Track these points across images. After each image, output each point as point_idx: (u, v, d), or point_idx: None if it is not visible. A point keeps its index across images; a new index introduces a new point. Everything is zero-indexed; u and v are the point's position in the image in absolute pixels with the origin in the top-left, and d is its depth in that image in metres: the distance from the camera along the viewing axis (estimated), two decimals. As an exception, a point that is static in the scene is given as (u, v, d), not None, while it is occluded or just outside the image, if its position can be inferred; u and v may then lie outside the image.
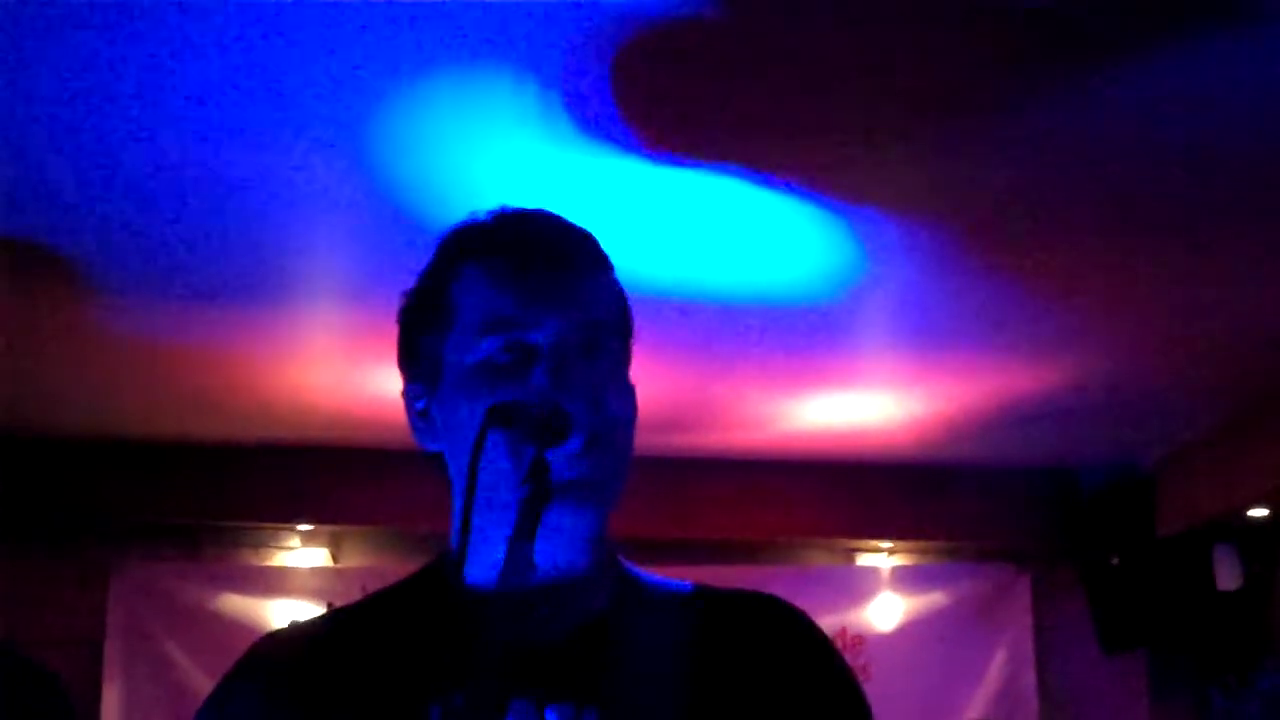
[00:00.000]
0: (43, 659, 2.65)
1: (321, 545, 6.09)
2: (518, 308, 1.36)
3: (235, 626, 5.61)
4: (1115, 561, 6.08)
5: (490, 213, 1.45)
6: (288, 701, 1.38)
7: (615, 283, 1.46)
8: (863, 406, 5.38)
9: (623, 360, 1.44)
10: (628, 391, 1.43)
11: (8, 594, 5.13)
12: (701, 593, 1.49)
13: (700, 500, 6.00)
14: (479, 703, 1.19)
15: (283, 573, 5.98)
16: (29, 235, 3.72)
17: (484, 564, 1.37)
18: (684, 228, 3.70)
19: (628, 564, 1.49)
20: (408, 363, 1.47)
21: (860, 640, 6.00)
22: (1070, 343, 4.69)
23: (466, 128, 3.17)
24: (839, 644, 5.86)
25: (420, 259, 1.48)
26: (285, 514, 5.99)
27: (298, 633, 1.49)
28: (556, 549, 1.35)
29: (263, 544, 6.08)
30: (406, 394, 1.47)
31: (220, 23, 2.71)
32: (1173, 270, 4.05)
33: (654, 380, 4.99)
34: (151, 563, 5.87)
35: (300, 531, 6.06)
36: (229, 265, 3.94)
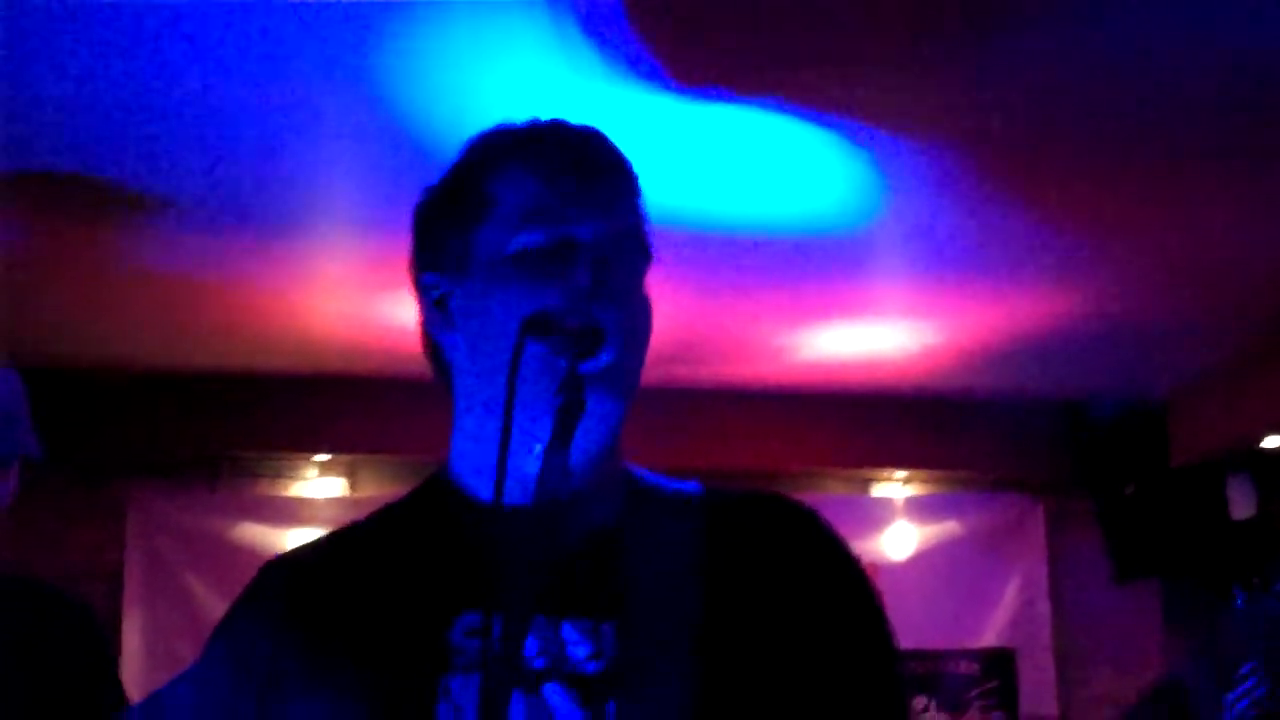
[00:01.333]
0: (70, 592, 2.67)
1: (338, 475, 6.13)
2: (564, 200, 1.35)
3: (253, 556, 5.58)
4: (1129, 491, 6.09)
5: (526, 120, 1.44)
6: (301, 623, 1.37)
7: (643, 207, 1.44)
8: (878, 337, 5.38)
9: (643, 276, 1.43)
10: (647, 305, 1.42)
11: (27, 527, 5.16)
12: (710, 495, 1.48)
13: (716, 431, 6.01)
14: (514, 620, 1.18)
15: (300, 503, 6.01)
16: (45, 169, 3.72)
17: (492, 479, 1.34)
18: (698, 156, 3.68)
19: (636, 469, 1.48)
20: (427, 253, 1.44)
21: (874, 569, 6.01)
22: (1085, 272, 4.67)
23: (479, 53, 3.15)
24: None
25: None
26: (302, 444, 6.01)
27: (307, 554, 1.48)
28: (587, 446, 1.33)
29: (280, 474, 6.11)
30: (422, 283, 1.44)
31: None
32: (1188, 200, 4.04)
33: (670, 311, 4.97)
34: (169, 494, 5.90)
35: (317, 462, 6.09)
36: (242, 196, 3.93)
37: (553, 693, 1.30)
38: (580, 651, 1.32)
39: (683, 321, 4.98)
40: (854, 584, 1.46)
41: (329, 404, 5.86)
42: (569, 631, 1.32)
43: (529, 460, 1.27)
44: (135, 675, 5.45)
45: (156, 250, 4.35)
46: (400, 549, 1.41)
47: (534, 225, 1.34)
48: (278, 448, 6.03)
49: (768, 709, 1.34)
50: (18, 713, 2.40)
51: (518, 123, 1.43)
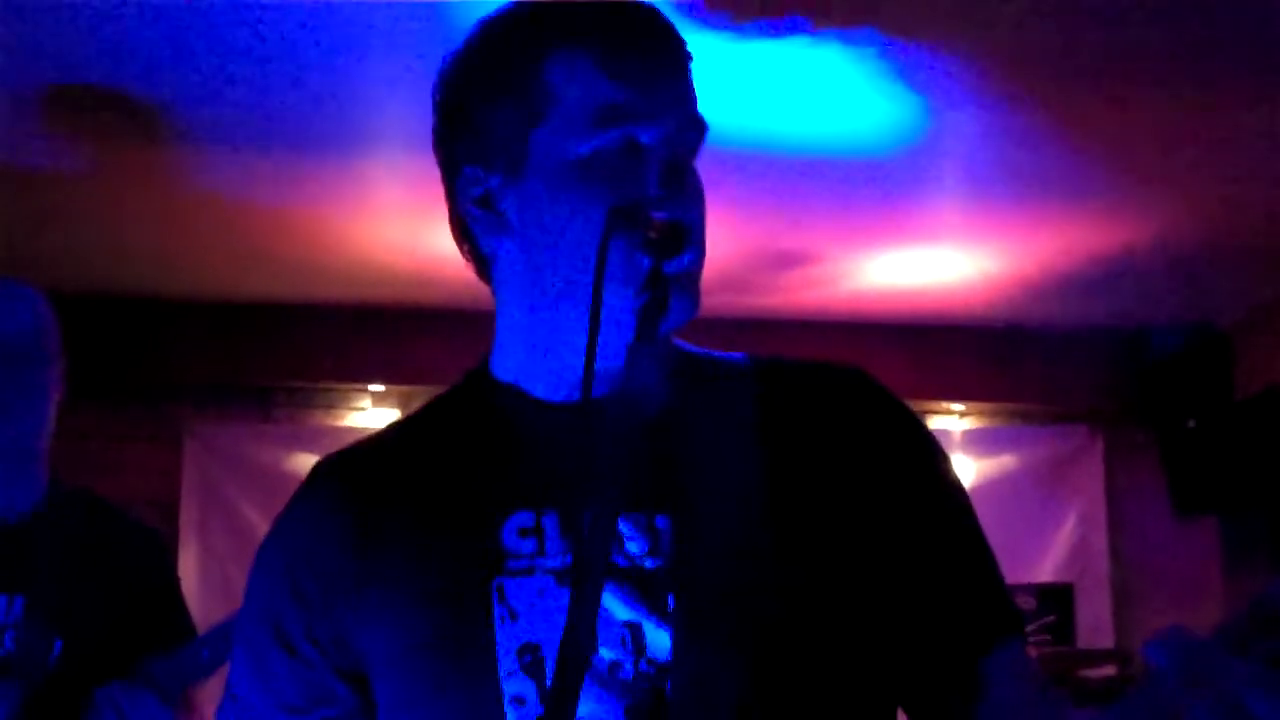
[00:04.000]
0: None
1: (392, 406, 6.13)
2: (636, 98, 1.27)
3: (308, 486, 5.67)
4: (1191, 424, 6.01)
5: None
6: (355, 515, 1.36)
7: (692, 75, 1.37)
8: (936, 264, 5.31)
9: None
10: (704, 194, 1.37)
11: (84, 454, 5.19)
12: (757, 364, 1.45)
13: (770, 362, 5.97)
14: (603, 516, 1.12)
15: (354, 433, 5.97)
16: (101, 88, 3.70)
17: (549, 377, 1.34)
18: (750, 78, 3.62)
19: (681, 343, 1.44)
20: (468, 142, 1.35)
21: (930, 502, 5.98)
22: (1149, 200, 4.60)
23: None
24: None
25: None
26: (357, 375, 6.03)
27: (358, 452, 1.46)
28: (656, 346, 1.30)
29: (334, 405, 6.12)
30: (463, 175, 1.35)
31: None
32: (1254, 125, 3.95)
33: (720, 238, 4.92)
34: (225, 423, 5.94)
35: (372, 392, 6.10)
36: (302, 120, 3.92)
37: (611, 588, 1.27)
38: (636, 547, 1.29)
39: (730, 248, 4.92)
40: (912, 435, 1.41)
41: (384, 335, 5.87)
42: (625, 526, 1.29)
43: (579, 361, 1.21)
44: (189, 601, 5.50)
45: (214, 176, 4.36)
46: (449, 446, 1.38)
47: (602, 129, 1.27)
48: (332, 378, 6.05)
49: (836, 581, 1.29)
50: (88, 622, 2.44)
51: None
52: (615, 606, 1.27)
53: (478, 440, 1.37)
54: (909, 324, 6.01)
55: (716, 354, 1.44)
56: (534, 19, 1.33)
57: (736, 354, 1.45)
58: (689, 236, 1.26)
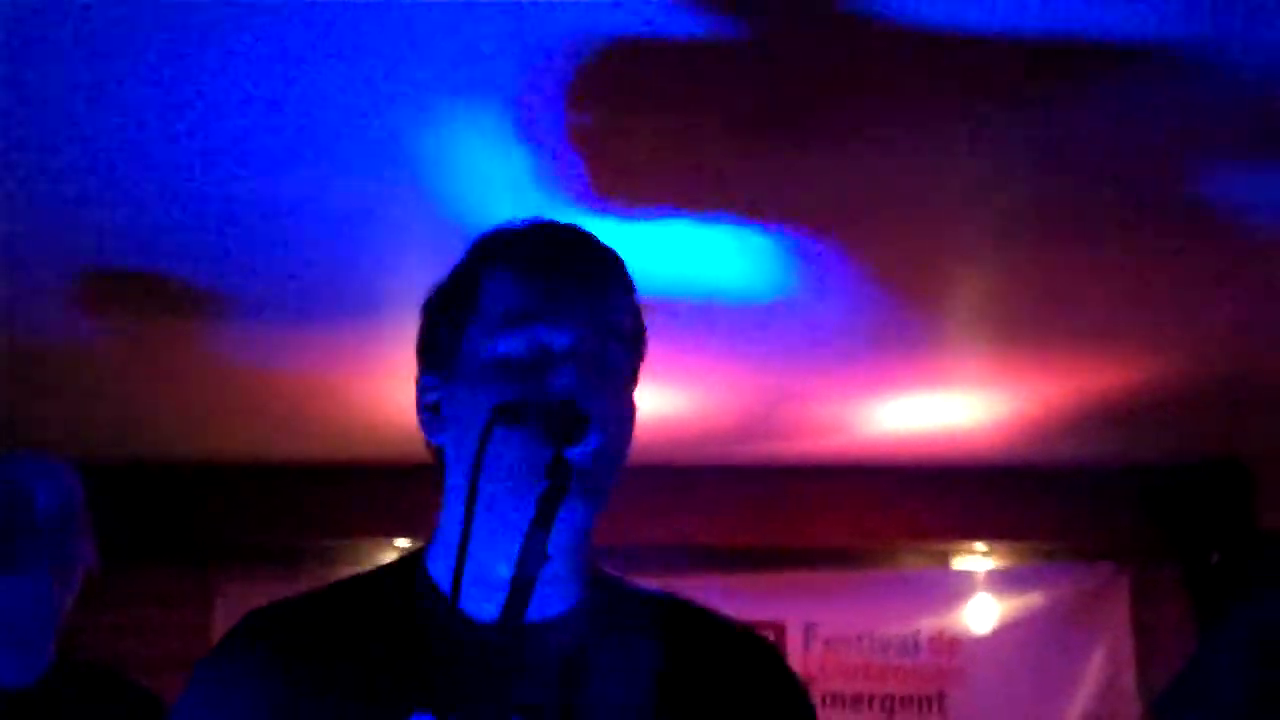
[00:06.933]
0: (149, 681, 2.71)
1: (419, 561, 6.14)
2: (541, 304, 1.36)
3: (337, 643, 5.67)
4: (1215, 559, 5.99)
5: (526, 220, 1.46)
6: (268, 686, 1.38)
7: (635, 305, 1.45)
8: (949, 408, 5.34)
9: (630, 379, 1.44)
10: (631, 407, 1.42)
11: (114, 618, 5.22)
12: (673, 606, 1.47)
13: (790, 507, 5.97)
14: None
15: (383, 589, 6.02)
16: (127, 266, 3.82)
17: (471, 585, 1.35)
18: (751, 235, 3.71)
19: (605, 569, 1.48)
20: (425, 353, 1.47)
21: (957, 643, 5.95)
22: (1161, 337, 4.62)
23: (507, 144, 3.23)
24: (935, 648, 5.87)
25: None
26: (383, 531, 6.04)
27: (282, 613, 1.47)
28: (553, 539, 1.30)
29: (363, 560, 6.13)
30: (419, 385, 1.47)
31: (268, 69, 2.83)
32: (1252, 261, 4.00)
33: (733, 389, 4.99)
34: (254, 582, 5.94)
35: (398, 547, 6.11)
36: (311, 291, 4.07)
37: None
38: None
39: (745, 399, 4.97)
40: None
41: (410, 491, 5.81)
42: None
43: (499, 566, 1.29)
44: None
45: (232, 344, 4.46)
46: (368, 635, 1.42)
47: (511, 330, 1.36)
48: (360, 535, 6.07)
49: None
50: None
51: (516, 221, 1.46)
52: None
53: (396, 634, 1.40)
54: (930, 466, 6.02)
55: (639, 587, 1.48)
56: (481, 241, 1.46)
57: (656, 589, 1.48)
58: (590, 422, 1.30)
